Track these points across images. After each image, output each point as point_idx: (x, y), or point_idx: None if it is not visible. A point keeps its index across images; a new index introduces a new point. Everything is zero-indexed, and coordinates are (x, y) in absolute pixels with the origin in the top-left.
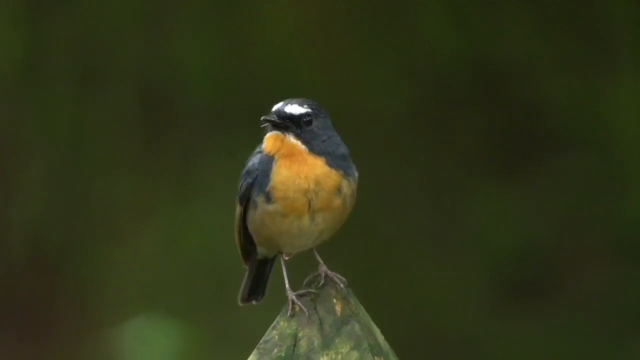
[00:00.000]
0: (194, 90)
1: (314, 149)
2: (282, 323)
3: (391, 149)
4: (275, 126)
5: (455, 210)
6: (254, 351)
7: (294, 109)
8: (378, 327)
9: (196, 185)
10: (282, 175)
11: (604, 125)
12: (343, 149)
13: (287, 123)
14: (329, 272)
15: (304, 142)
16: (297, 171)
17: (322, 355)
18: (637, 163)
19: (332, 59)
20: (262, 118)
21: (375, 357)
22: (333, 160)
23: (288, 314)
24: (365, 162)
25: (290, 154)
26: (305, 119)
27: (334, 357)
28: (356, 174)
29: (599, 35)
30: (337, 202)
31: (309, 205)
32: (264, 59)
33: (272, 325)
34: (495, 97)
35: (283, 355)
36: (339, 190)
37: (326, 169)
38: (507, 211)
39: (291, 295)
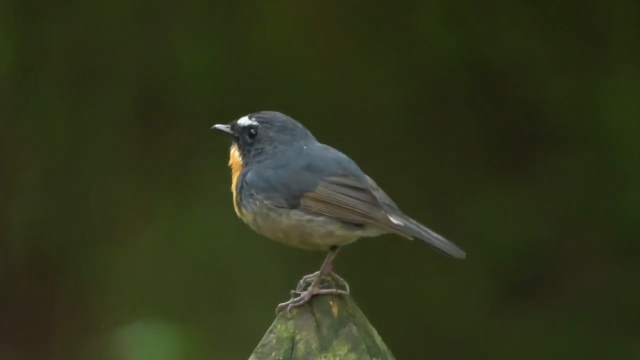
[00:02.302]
0: (193, 91)
1: (247, 161)
2: (279, 326)
3: (390, 149)
4: (234, 138)
5: (455, 210)
6: (252, 355)
7: (243, 121)
8: (378, 328)
9: (196, 186)
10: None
11: (603, 125)
12: (289, 165)
13: (236, 134)
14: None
15: (242, 154)
16: (234, 182)
17: (320, 358)
18: (637, 162)
19: (331, 59)
20: (215, 126)
21: (373, 359)
22: (254, 176)
23: (289, 307)
24: (365, 162)
25: (235, 167)
26: (250, 131)
27: (331, 359)
28: (262, 202)
29: (598, 35)
30: (246, 219)
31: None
32: (263, 59)
33: (269, 329)
34: (494, 97)
35: (281, 358)
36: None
37: (235, 187)
38: (507, 211)
39: (315, 291)
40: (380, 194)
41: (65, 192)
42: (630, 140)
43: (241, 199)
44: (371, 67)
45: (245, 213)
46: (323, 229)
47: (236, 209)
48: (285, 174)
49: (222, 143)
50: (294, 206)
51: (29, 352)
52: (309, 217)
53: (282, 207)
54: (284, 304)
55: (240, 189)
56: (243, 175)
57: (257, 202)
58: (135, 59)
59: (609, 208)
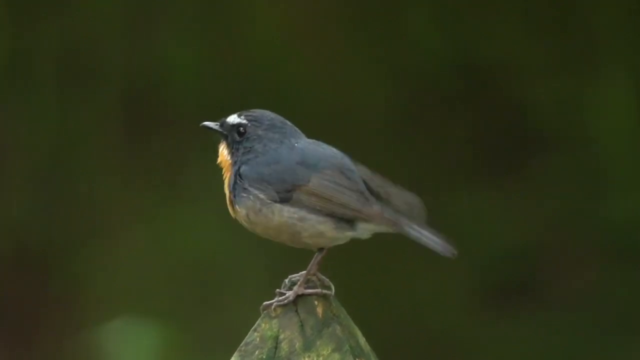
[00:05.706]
0: (182, 90)
1: (236, 160)
2: (263, 325)
3: (378, 148)
4: (223, 136)
5: (442, 211)
6: (235, 353)
7: (232, 119)
8: (366, 328)
9: (183, 187)
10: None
11: (591, 127)
12: (276, 165)
13: (225, 132)
14: (319, 277)
15: (230, 152)
16: (225, 181)
17: (304, 357)
18: (625, 165)
19: (320, 59)
20: (204, 123)
21: (357, 359)
22: (248, 169)
23: (273, 306)
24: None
25: (224, 165)
26: (239, 129)
27: (315, 359)
28: (256, 196)
29: (587, 37)
30: (239, 216)
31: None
32: (252, 59)
33: (253, 328)
34: (482, 98)
35: (264, 357)
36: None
37: (228, 186)
38: (495, 212)
39: (300, 290)
40: (376, 183)
41: (51, 190)
42: (618, 142)
43: (234, 195)
44: (359, 66)
45: (239, 209)
46: (313, 229)
47: (229, 208)
48: (279, 168)
49: (211, 141)
50: (286, 200)
51: (15, 350)
52: (301, 214)
53: (275, 202)
54: (268, 302)
55: (234, 184)
56: (236, 171)
57: (251, 196)
58: (123, 58)
59: (597, 210)
